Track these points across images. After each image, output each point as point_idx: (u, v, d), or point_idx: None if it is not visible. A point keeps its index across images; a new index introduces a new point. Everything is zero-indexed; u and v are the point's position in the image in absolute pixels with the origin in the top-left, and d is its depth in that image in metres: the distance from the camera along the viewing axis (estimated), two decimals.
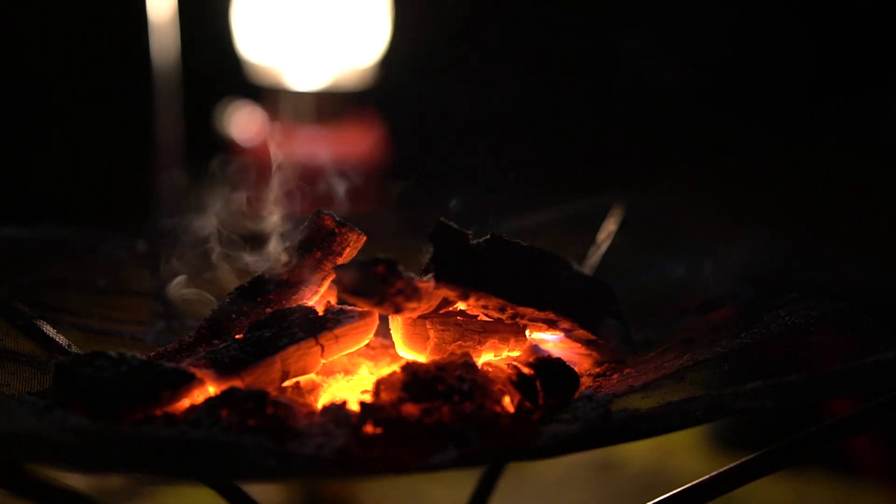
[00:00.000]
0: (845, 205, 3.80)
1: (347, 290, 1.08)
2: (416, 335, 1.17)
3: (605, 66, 4.19)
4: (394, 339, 1.19)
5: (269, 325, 1.13)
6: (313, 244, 1.24)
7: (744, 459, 1.05)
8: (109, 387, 1.00)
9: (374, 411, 1.02)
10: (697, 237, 1.72)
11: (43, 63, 3.65)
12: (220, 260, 1.40)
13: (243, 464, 0.93)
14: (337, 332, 1.13)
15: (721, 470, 1.06)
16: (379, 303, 1.09)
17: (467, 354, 1.10)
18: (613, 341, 1.23)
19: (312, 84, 3.30)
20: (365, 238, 1.25)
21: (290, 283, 1.23)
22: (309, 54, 3.26)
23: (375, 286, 1.07)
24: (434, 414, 1.02)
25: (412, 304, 1.11)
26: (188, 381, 1.04)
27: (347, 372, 1.22)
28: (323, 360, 1.14)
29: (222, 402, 1.01)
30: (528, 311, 1.17)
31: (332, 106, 3.34)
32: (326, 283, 1.25)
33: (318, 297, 1.25)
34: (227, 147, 3.47)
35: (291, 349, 1.10)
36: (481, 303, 1.16)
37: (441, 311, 1.18)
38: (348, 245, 1.24)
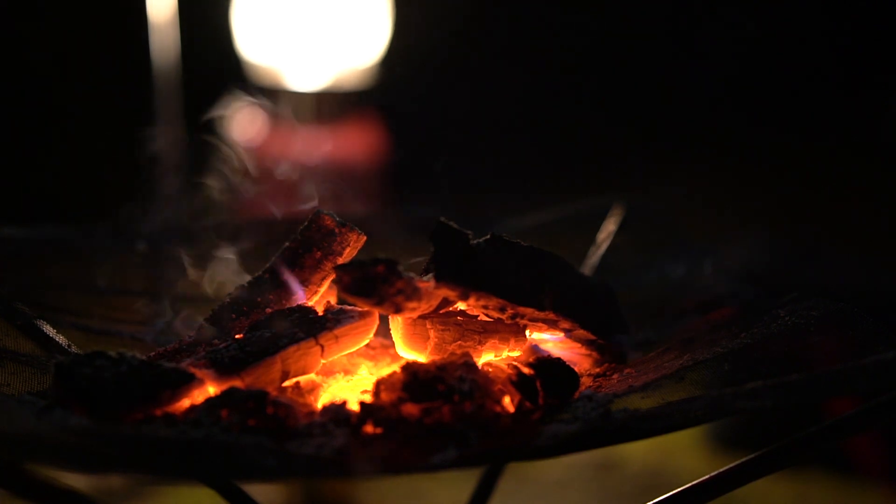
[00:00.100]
0: (845, 205, 3.80)
1: (347, 290, 1.08)
2: (416, 335, 1.17)
3: (605, 66, 4.19)
4: (394, 339, 1.19)
5: (269, 325, 1.13)
6: (313, 244, 1.24)
7: (744, 459, 1.05)
8: (109, 387, 1.00)
9: (374, 411, 1.02)
10: (697, 237, 1.72)
11: (43, 63, 3.65)
12: (219, 259, 1.40)
13: (243, 464, 0.93)
14: (337, 332, 1.13)
15: (721, 470, 1.06)
16: (379, 303, 1.09)
17: (467, 354, 1.10)
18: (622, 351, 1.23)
19: (312, 84, 3.30)
20: (365, 238, 1.25)
21: (292, 282, 1.23)
22: (309, 54, 3.26)
23: (375, 286, 1.07)
24: (434, 414, 1.02)
25: (412, 304, 1.11)
26: (188, 381, 1.04)
27: (347, 372, 1.22)
28: (323, 360, 1.14)
29: (222, 402, 1.01)
30: (528, 311, 1.17)
31: (332, 106, 3.34)
32: (326, 283, 1.25)
33: (318, 297, 1.25)
34: (226, 147, 3.46)
35: (291, 349, 1.10)
36: (481, 303, 1.16)
37: (441, 311, 1.18)
38: (348, 245, 1.24)
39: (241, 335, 1.15)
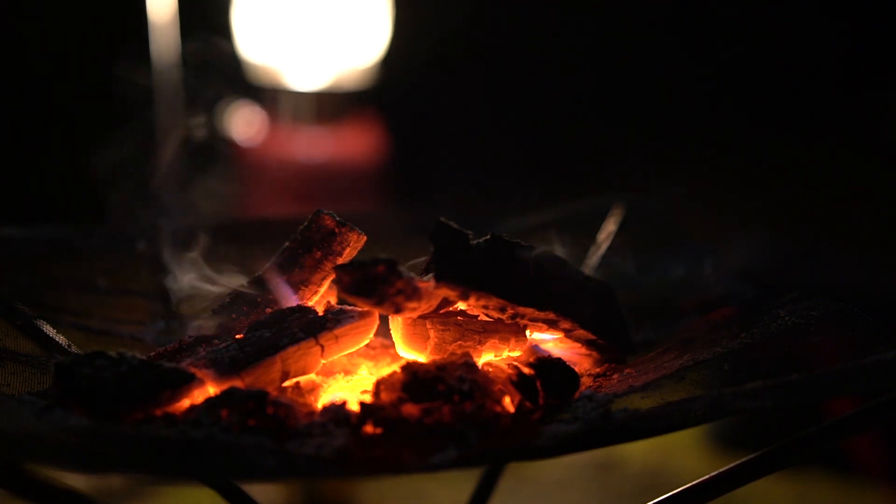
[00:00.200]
0: (845, 205, 3.80)
1: (347, 290, 1.08)
2: (416, 335, 1.17)
3: (605, 66, 4.19)
4: (394, 339, 1.19)
5: (269, 325, 1.13)
6: (313, 244, 1.24)
7: (744, 459, 1.05)
8: (109, 387, 1.00)
9: (374, 411, 1.02)
10: (697, 237, 1.72)
11: (43, 63, 3.65)
12: (218, 259, 1.40)
13: (243, 464, 0.93)
14: (337, 332, 1.13)
15: (721, 470, 1.06)
16: (379, 303, 1.09)
17: (467, 354, 1.10)
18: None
19: (312, 84, 3.30)
20: (365, 238, 1.25)
21: (290, 283, 1.23)
22: (309, 54, 3.26)
23: (375, 286, 1.07)
24: (434, 414, 1.02)
25: (412, 304, 1.11)
26: (188, 381, 1.04)
27: (347, 372, 1.22)
28: (323, 360, 1.14)
29: (222, 402, 1.01)
30: (529, 311, 1.17)
31: (332, 106, 3.34)
32: (326, 283, 1.25)
33: (318, 297, 1.25)
34: (226, 147, 3.47)
35: (291, 349, 1.10)
36: (481, 303, 1.16)
37: (441, 311, 1.18)
38: (348, 245, 1.24)
39: (241, 335, 1.15)
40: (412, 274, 1.12)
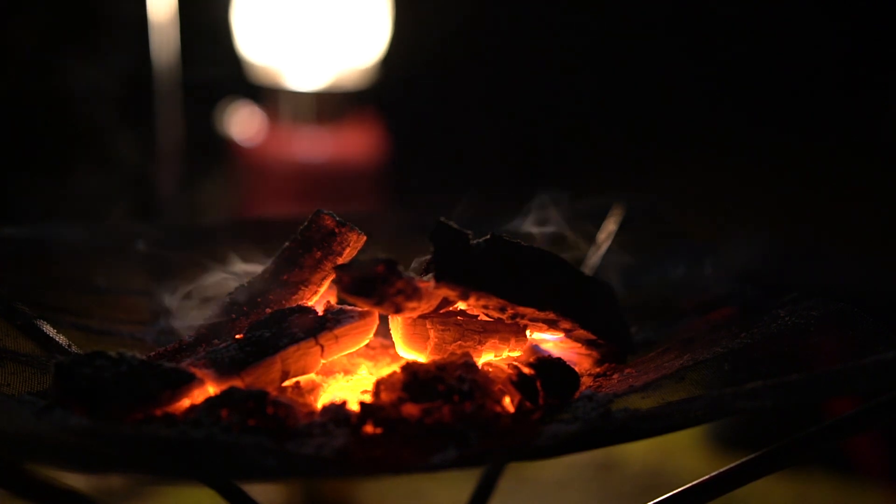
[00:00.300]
0: (845, 205, 3.81)
1: (347, 290, 1.08)
2: (416, 335, 1.17)
3: (605, 66, 4.19)
4: (394, 339, 1.19)
5: (269, 325, 1.13)
6: (313, 244, 1.24)
7: (744, 459, 1.05)
8: (109, 387, 1.00)
9: (374, 411, 1.02)
10: (697, 237, 1.72)
11: (43, 63, 3.64)
12: (218, 259, 1.40)
13: (243, 464, 0.93)
14: (337, 332, 1.13)
15: (721, 470, 1.06)
16: (379, 303, 1.09)
17: (467, 354, 1.10)
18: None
19: (312, 84, 3.30)
20: (365, 238, 1.25)
21: (290, 282, 1.23)
22: (309, 54, 3.26)
23: (375, 286, 1.07)
24: (434, 414, 1.02)
25: (412, 304, 1.11)
26: (188, 381, 1.04)
27: (347, 372, 1.22)
28: (323, 360, 1.14)
29: (222, 402, 1.01)
30: (529, 311, 1.17)
31: (331, 106, 3.34)
32: (326, 283, 1.25)
33: (318, 297, 1.25)
34: (226, 147, 3.47)
35: (291, 349, 1.10)
36: (481, 303, 1.16)
37: (441, 311, 1.18)
38: (348, 245, 1.24)
39: (241, 335, 1.15)
40: (412, 274, 1.12)
